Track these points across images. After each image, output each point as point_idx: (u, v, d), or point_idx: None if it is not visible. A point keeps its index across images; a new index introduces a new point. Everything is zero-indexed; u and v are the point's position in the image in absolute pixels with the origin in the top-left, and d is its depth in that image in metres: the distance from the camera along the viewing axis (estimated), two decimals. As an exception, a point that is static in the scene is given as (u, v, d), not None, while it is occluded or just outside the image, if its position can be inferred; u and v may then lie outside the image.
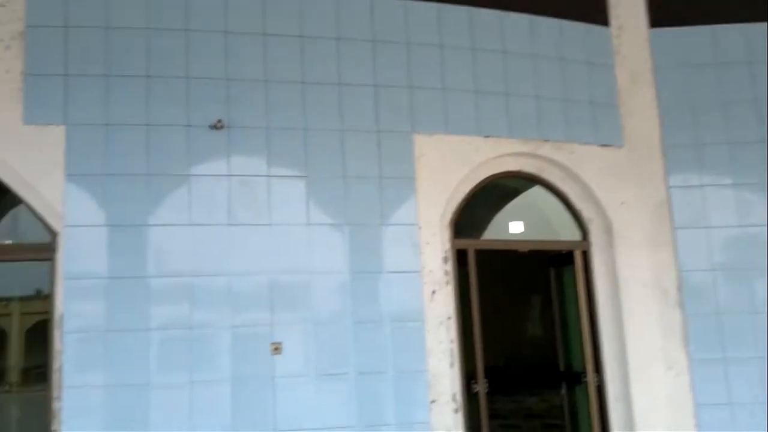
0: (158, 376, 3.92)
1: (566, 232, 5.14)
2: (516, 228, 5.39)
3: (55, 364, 3.97)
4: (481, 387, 4.57)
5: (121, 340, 3.94)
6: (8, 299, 5.76)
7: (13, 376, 5.47)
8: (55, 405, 3.92)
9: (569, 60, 5.01)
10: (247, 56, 4.31)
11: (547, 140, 4.89)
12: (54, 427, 3.90)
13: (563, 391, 5.35)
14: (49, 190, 4.03)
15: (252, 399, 3.97)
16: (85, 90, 4.08)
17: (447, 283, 4.42)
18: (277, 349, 4.01)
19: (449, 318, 4.41)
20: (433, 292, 4.34)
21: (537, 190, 5.17)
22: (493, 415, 4.78)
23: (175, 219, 4.06)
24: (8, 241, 4.48)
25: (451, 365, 4.35)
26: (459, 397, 4.36)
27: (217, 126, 4.11)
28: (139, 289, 3.99)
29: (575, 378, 5.12)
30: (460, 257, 4.63)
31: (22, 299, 5.50)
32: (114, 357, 3.93)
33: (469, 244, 4.73)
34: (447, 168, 4.54)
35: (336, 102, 4.39)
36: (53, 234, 4.11)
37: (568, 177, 5.05)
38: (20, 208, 4.26)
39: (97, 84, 4.09)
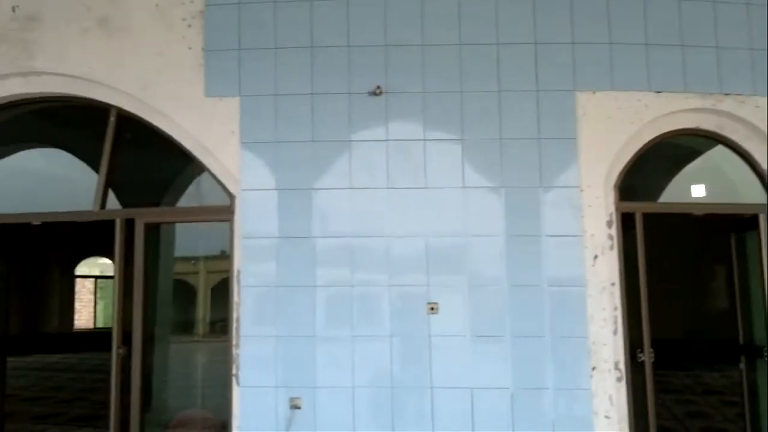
0: (323, 330, 4.19)
1: (749, 194, 4.66)
2: (692, 190, 4.98)
3: (234, 316, 4.38)
4: (646, 357, 4.34)
5: (291, 295, 4.25)
6: (197, 258, 6.35)
7: (202, 327, 6.09)
8: (235, 352, 4.34)
9: (755, 3, 4.47)
10: (405, 21, 4.34)
11: (728, 94, 4.43)
12: (234, 371, 4.33)
13: (742, 366, 4.92)
14: (227, 157, 4.41)
15: (409, 355, 4.10)
16: (257, 62, 4.37)
17: (611, 248, 4.21)
18: (433, 309, 4.09)
19: (613, 284, 4.21)
20: (595, 257, 4.15)
21: (716, 150, 4.73)
22: (666, 390, 4.53)
23: (338, 183, 4.25)
24: (194, 204, 4.97)
25: (614, 333, 4.17)
26: (622, 366, 4.18)
27: (376, 92, 4.22)
28: (306, 249, 4.25)
29: (756, 352, 4.68)
30: (627, 221, 4.39)
31: (209, 258, 6.02)
32: (284, 310, 4.25)
33: (637, 208, 4.45)
34: (612, 127, 4.28)
35: (494, 62, 4.30)
36: (231, 197, 4.49)
37: (753, 134, 4.55)
38: (204, 174, 4.70)
39: (266, 56, 4.36)
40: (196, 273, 6.53)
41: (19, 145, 5.80)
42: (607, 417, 4.02)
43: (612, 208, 4.27)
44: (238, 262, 4.38)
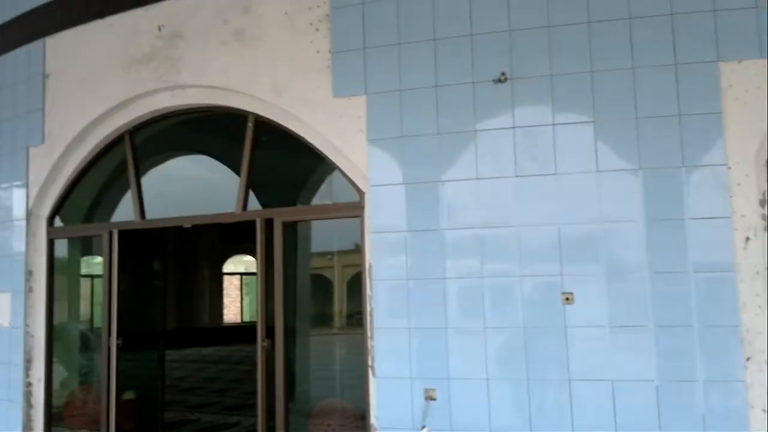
0: (455, 321, 4.18)
1: None
2: None
3: (368, 308, 4.49)
4: (813, 350, 3.92)
5: (422, 288, 4.28)
6: (332, 253, 6.56)
7: (339, 320, 6.30)
8: (369, 344, 4.45)
9: None
10: (529, 4, 4.22)
11: None
12: (369, 362, 4.44)
13: None
14: (355, 155, 4.53)
15: (544, 347, 3.99)
16: (381, 60, 4.45)
17: (764, 228, 3.85)
18: (568, 299, 3.95)
19: (768, 268, 3.86)
20: (747, 239, 3.81)
21: None
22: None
23: (465, 174, 4.22)
24: (327, 202, 5.16)
25: (773, 322, 3.81)
26: (782, 358, 3.81)
27: (501, 79, 4.15)
28: (435, 241, 4.27)
29: None
30: (783, 201, 3.99)
31: (343, 253, 6.21)
32: (416, 302, 4.30)
33: (795, 186, 4.05)
34: (763, 98, 3.91)
35: (626, 38, 4.07)
36: (361, 193, 4.61)
37: None
38: (335, 172, 4.86)
39: (390, 53, 4.42)
40: (331, 267, 6.77)
41: (169, 153, 6.33)
42: (764, 410, 3.69)
43: (765, 186, 3.91)
44: (369, 256, 4.49)
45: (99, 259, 6.60)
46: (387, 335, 4.37)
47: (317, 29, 4.67)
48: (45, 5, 5.92)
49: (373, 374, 4.40)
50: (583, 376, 3.90)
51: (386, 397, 4.33)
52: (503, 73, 4.15)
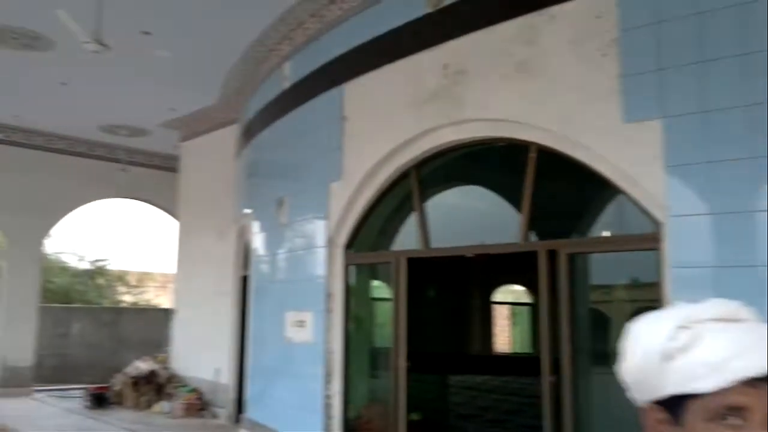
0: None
1: None
2: None
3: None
4: None
5: (733, 331, 3.82)
6: (609, 287, 6.22)
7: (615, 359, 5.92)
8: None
9: None
10: None
11: None
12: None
13: None
14: (650, 183, 4.23)
15: None
16: (679, 81, 4.12)
17: None
18: None
19: None
20: None
21: None
22: None
23: (788, 202, 3.69)
24: (614, 233, 4.91)
25: None
26: None
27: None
28: (749, 279, 3.78)
29: None
30: None
31: (624, 287, 5.87)
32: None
33: None
34: None
35: None
36: (657, 224, 4.29)
37: None
38: (618, 200, 4.61)
39: (690, 73, 4.07)
40: (609, 302, 6.43)
41: (448, 185, 6.61)
42: None
43: None
44: (668, 291, 4.14)
45: (378, 284, 7.13)
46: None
47: (604, 54, 4.50)
48: (343, 55, 6.63)
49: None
50: None
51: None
52: (838, 86, 3.55)
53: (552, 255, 4.94)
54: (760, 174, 3.78)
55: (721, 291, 3.88)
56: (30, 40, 8.14)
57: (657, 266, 4.27)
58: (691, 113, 4.06)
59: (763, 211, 3.76)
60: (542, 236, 5.21)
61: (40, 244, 12.37)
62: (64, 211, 12.57)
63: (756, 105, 3.82)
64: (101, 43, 6.37)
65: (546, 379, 4.86)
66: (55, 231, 13.72)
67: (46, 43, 8.18)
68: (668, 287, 4.14)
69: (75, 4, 6.45)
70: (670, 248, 4.13)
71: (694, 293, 3.98)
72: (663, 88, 4.18)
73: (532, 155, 5.08)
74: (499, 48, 5.07)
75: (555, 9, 4.67)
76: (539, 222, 5.26)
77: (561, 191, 5.43)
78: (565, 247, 4.87)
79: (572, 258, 4.90)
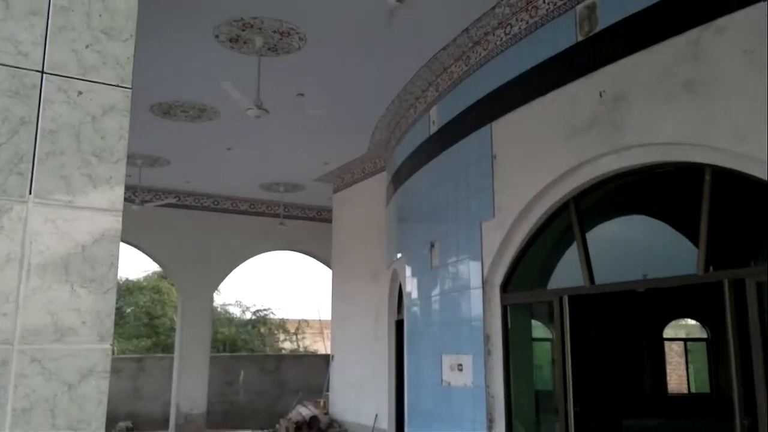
0: None
1: None
2: None
3: None
4: None
5: None
6: None
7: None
8: None
9: None
10: None
11: None
12: None
13: None
14: None
15: None
16: None
17: None
18: None
19: None
20: None
21: None
22: None
23: None
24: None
25: None
26: None
27: None
28: None
29: None
30: None
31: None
32: None
33: None
34: None
35: None
36: None
37: None
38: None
39: None
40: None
41: (611, 215, 6.29)
42: None
43: None
44: None
45: (536, 324, 6.85)
46: None
47: (784, 61, 4.11)
48: (490, 94, 6.63)
49: None
50: None
51: None
52: None
53: (737, 285, 4.49)
54: None
55: None
56: (198, 112, 8.98)
57: None
58: None
59: None
60: (724, 266, 4.75)
61: (210, 298, 13.31)
62: (231, 265, 13.48)
63: None
64: (261, 108, 6.88)
65: (739, 422, 4.35)
66: (222, 285, 14.75)
67: (212, 112, 8.97)
68: None
69: (236, 74, 7.05)
70: None
71: None
72: None
73: (708, 178, 4.69)
74: (662, 68, 4.79)
75: (723, 20, 4.36)
76: (720, 251, 4.82)
77: (741, 215, 4.96)
78: (753, 275, 4.41)
79: (761, 286, 4.42)
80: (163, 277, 16.78)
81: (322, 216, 13.30)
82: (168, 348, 14.98)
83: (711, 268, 4.74)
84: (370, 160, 10.73)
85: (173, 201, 12.35)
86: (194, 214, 12.97)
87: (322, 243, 12.78)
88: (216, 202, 13.24)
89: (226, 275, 13.52)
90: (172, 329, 14.53)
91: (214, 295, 14.01)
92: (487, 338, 6.45)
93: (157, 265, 14.12)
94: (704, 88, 4.53)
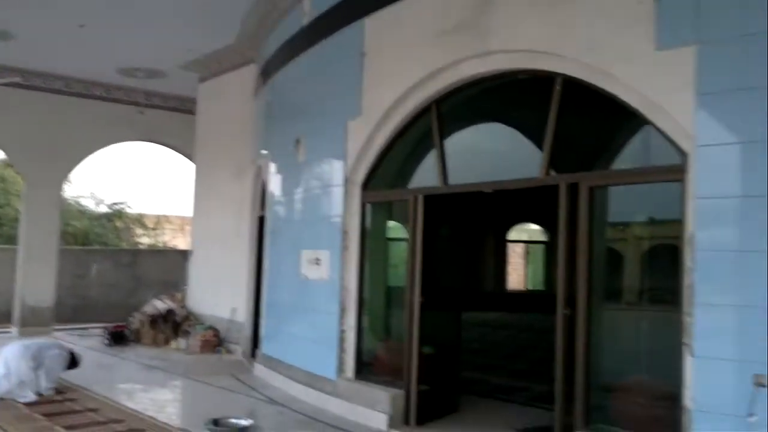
0: (802, 301, 3.60)
1: None
2: None
3: (686, 281, 4.10)
4: None
5: (756, 261, 3.76)
6: (626, 224, 6.09)
7: (630, 296, 5.85)
8: (686, 320, 4.07)
9: None
10: None
11: None
12: (686, 340, 4.06)
13: None
14: (678, 112, 4.13)
15: None
16: (717, 5, 3.97)
17: None
18: None
19: None
20: None
21: None
22: None
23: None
24: (638, 165, 4.80)
25: None
26: None
27: None
28: (775, 209, 3.71)
29: None
30: None
31: (641, 225, 5.76)
32: (747, 277, 3.80)
33: None
34: None
35: None
36: (683, 155, 4.19)
37: None
38: (644, 132, 4.50)
39: (729, -5, 3.92)
40: (625, 240, 6.34)
41: (469, 122, 6.52)
42: None
43: None
44: (691, 224, 4.08)
45: (394, 224, 7.11)
46: (709, 312, 3.94)
47: (637, -21, 4.34)
48: (364, -12, 6.47)
49: (691, 354, 4.01)
50: None
51: (705, 379, 3.93)
52: None
53: (573, 189, 4.87)
54: (795, 99, 3.67)
55: (746, 221, 3.82)
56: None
57: (680, 199, 4.20)
58: (728, 38, 3.92)
59: (795, 139, 3.66)
60: (563, 171, 5.11)
61: (59, 188, 12.45)
62: (83, 154, 12.58)
63: (794, 30, 3.68)
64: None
65: (560, 312, 4.85)
66: (73, 175, 13.81)
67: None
68: (691, 223, 4.07)
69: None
70: (695, 179, 4.05)
71: (719, 226, 3.93)
72: (700, 13, 4.03)
73: (558, 87, 4.96)
74: (527, -26, 4.91)
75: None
76: (561, 157, 5.17)
77: (585, 125, 5.32)
78: (586, 180, 4.80)
79: (593, 192, 4.83)
80: (9, 165, 15.41)
81: (186, 107, 12.63)
82: (12, 239, 13.97)
83: (552, 173, 5.10)
84: (239, 50, 10.22)
85: (18, 80, 11.19)
86: (43, 96, 11.84)
87: (185, 136, 12.21)
88: (68, 85, 12.14)
89: (77, 164, 12.64)
90: (17, 220, 13.51)
91: (65, 185, 13.11)
92: (345, 234, 6.61)
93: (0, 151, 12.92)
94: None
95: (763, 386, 3.68)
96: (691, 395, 3.99)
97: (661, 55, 4.17)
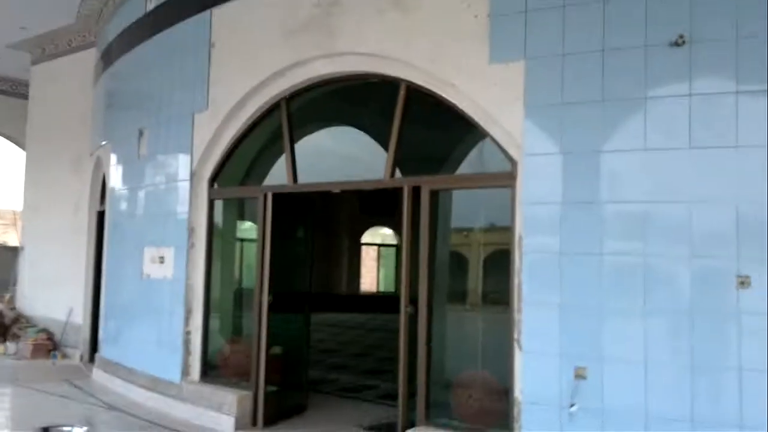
0: (610, 300, 3.97)
1: None
2: None
3: (515, 281, 4.39)
4: None
5: (576, 263, 4.10)
6: (469, 230, 6.41)
7: (473, 297, 6.18)
8: (516, 317, 4.35)
9: None
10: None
11: None
12: (516, 336, 4.34)
13: None
14: (510, 123, 4.40)
15: (712, 333, 3.68)
16: (543, 23, 4.26)
17: None
18: (743, 283, 3.61)
19: None
20: None
21: None
22: None
23: (630, 144, 3.95)
24: (476, 171, 5.04)
25: None
26: None
27: (678, 42, 3.81)
28: (592, 215, 4.06)
29: None
30: None
31: (481, 231, 6.07)
32: (568, 278, 4.13)
33: None
34: None
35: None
36: (513, 163, 4.48)
37: None
38: (486, 141, 4.75)
39: (554, 16, 4.21)
40: (468, 245, 6.65)
41: (320, 124, 6.52)
42: None
43: None
44: (519, 228, 4.36)
45: (248, 225, 6.96)
46: (536, 310, 4.24)
47: (475, -7, 4.55)
48: (213, -24, 6.23)
49: (520, 348, 4.30)
50: (756, 364, 3.55)
51: (533, 372, 4.22)
52: (681, 36, 3.81)
53: (416, 192, 5.02)
54: (608, 115, 4.02)
55: (567, 225, 4.14)
56: None
57: (510, 204, 4.46)
58: (551, 55, 4.22)
59: (608, 151, 4.02)
60: (408, 174, 5.26)
61: None
62: None
63: (611, 50, 4.03)
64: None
65: (403, 311, 4.99)
66: None
67: None
68: (520, 227, 4.34)
69: None
70: (523, 185, 4.33)
71: (544, 229, 4.22)
72: (528, 30, 4.31)
73: (402, 93, 5.09)
74: (375, -19, 4.97)
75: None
76: (406, 161, 5.31)
77: (428, 131, 5.51)
78: (428, 183, 4.97)
79: (435, 196, 5.01)
80: None
81: (17, 90, 11.57)
82: None
83: (397, 176, 5.22)
84: (78, 31, 9.50)
85: None
86: None
87: (16, 121, 11.18)
88: None
89: None
90: None
91: None
92: (191, 231, 6.37)
93: None
94: (409, 8, 4.83)
95: (584, 378, 4.02)
96: (521, 388, 4.28)
97: (495, 69, 4.41)
